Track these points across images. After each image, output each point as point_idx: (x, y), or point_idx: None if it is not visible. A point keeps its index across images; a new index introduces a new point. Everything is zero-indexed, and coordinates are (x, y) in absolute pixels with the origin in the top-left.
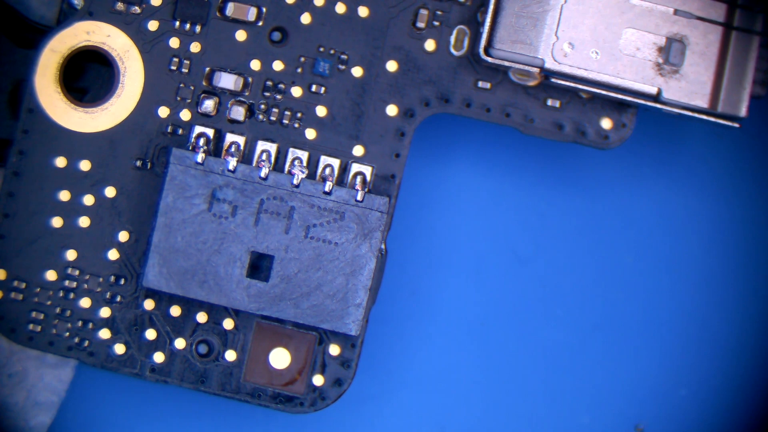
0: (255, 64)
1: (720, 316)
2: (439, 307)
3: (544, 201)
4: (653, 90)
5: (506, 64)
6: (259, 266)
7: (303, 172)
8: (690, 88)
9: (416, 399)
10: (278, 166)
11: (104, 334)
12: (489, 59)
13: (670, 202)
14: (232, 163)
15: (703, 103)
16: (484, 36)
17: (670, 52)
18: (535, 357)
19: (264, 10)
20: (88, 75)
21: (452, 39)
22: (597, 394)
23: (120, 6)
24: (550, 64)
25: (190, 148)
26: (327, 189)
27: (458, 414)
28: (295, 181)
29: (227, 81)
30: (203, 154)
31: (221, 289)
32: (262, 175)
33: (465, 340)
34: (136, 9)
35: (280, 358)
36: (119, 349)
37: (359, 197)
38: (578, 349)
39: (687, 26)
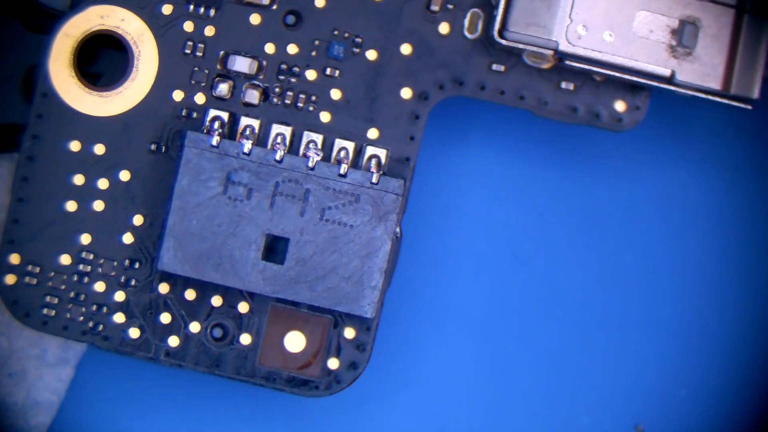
0: (269, 48)
1: (720, 315)
2: (439, 308)
3: (553, 184)
4: (667, 72)
5: (520, 46)
6: (275, 249)
7: (318, 155)
8: (703, 70)
9: (416, 399)
10: (293, 149)
11: (119, 318)
12: (503, 42)
13: (673, 193)
14: (247, 145)
15: (716, 85)
16: (498, 19)
17: (683, 35)
18: (535, 357)
19: None
20: (102, 59)
21: (466, 22)
22: (597, 394)
23: None
24: (564, 47)
25: (205, 131)
26: (342, 171)
27: (458, 414)
28: (310, 164)
29: (241, 64)
30: (218, 137)
31: (236, 272)
32: (277, 157)
33: (465, 340)
34: None
35: (295, 341)
36: (134, 333)
37: (374, 179)
38: (578, 349)
39: (699, 9)
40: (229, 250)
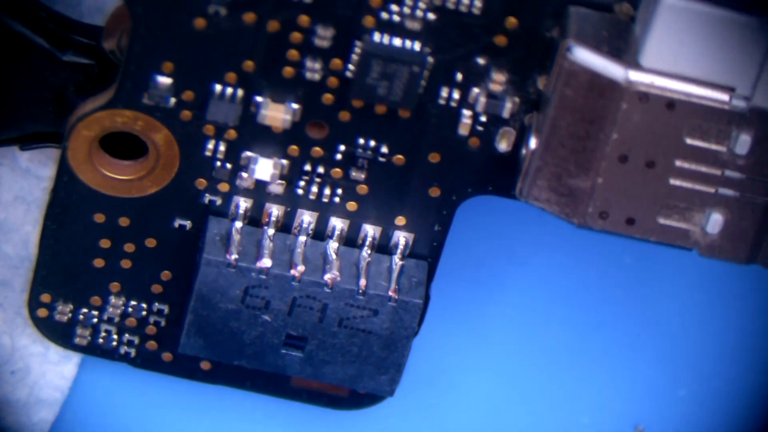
0: (293, 150)
1: (720, 315)
2: (439, 308)
3: None
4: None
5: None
6: (294, 342)
7: (336, 278)
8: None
9: (415, 399)
10: (318, 233)
11: (151, 345)
12: (522, 200)
13: None
14: (266, 263)
15: None
16: (519, 184)
17: (708, 224)
18: (534, 357)
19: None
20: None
21: (497, 137)
22: (597, 394)
23: (149, 101)
24: (583, 225)
25: (230, 218)
26: (361, 290)
27: (458, 414)
28: (328, 286)
29: (263, 171)
30: (235, 259)
31: (258, 357)
32: (296, 277)
33: (464, 340)
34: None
35: None
36: (166, 357)
37: (393, 298)
38: (578, 349)
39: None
40: (250, 343)
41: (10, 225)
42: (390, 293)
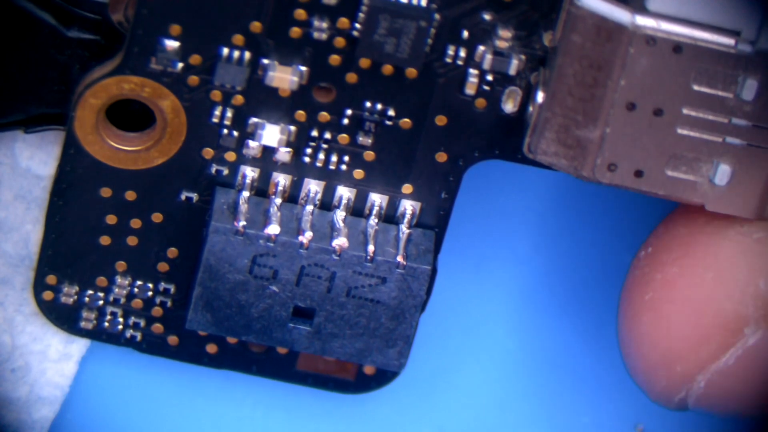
0: (300, 115)
1: None
2: (439, 308)
3: (554, 183)
4: (699, 203)
5: (548, 164)
6: (302, 313)
7: (344, 244)
8: (733, 204)
9: (415, 398)
10: (325, 203)
11: (157, 329)
12: (530, 156)
13: None
14: (273, 230)
15: None
16: (526, 140)
17: (717, 174)
18: (534, 356)
19: (307, 69)
20: (129, 106)
21: (503, 98)
22: (597, 394)
23: (157, 66)
24: (590, 178)
25: (237, 188)
26: (369, 256)
27: (458, 414)
28: (336, 253)
29: (270, 137)
30: (243, 226)
31: (265, 332)
32: (304, 244)
33: (464, 339)
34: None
35: None
36: (172, 341)
37: (401, 264)
38: (578, 349)
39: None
40: (258, 315)
41: (10, 223)
42: (398, 259)
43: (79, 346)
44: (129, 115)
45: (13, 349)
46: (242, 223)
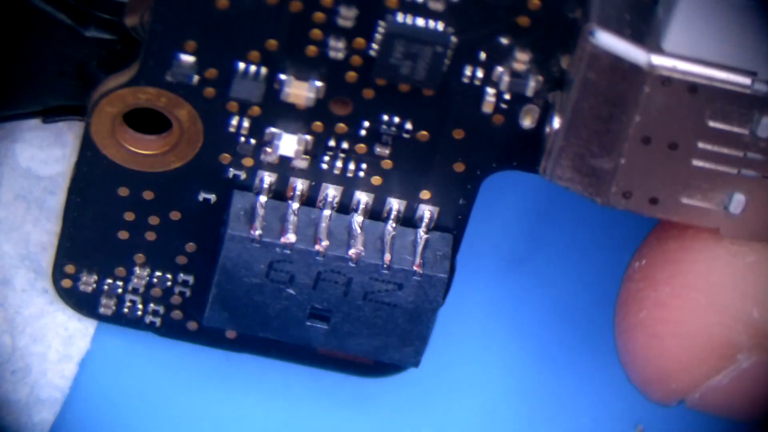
0: (317, 126)
1: None
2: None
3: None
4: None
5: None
6: (319, 314)
7: (361, 251)
8: (749, 231)
9: (415, 398)
10: (342, 207)
11: (176, 315)
12: (546, 178)
13: None
14: (290, 238)
15: None
16: (542, 164)
17: (732, 203)
18: (534, 356)
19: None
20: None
21: (521, 114)
22: (597, 394)
23: (172, 78)
24: (606, 204)
25: (254, 192)
26: (385, 264)
27: (458, 414)
28: (352, 261)
29: (287, 147)
30: (259, 234)
31: (282, 329)
32: (321, 252)
33: (464, 339)
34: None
35: None
36: (191, 326)
37: (418, 272)
38: (578, 349)
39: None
40: (275, 314)
41: (10, 224)
42: (415, 268)
43: (79, 347)
44: (147, 115)
45: (13, 350)
46: (258, 231)
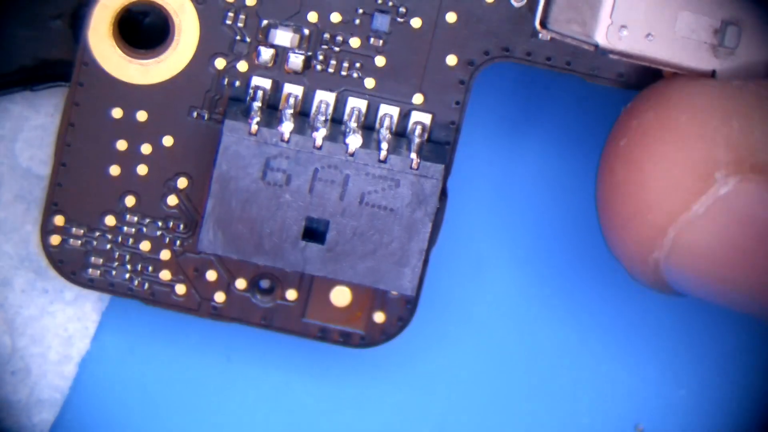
0: (312, 16)
1: (720, 315)
2: (438, 307)
3: (555, 182)
4: (708, 70)
5: (560, 39)
6: (315, 230)
7: (358, 140)
8: (745, 70)
9: (415, 398)
10: (336, 114)
11: (165, 275)
12: (543, 33)
13: None
14: (287, 128)
15: None
16: (539, 12)
17: (725, 35)
18: (535, 356)
19: None
20: (143, 26)
21: None
22: (597, 394)
23: None
24: (604, 44)
25: (248, 100)
26: (382, 157)
27: (458, 414)
28: (350, 150)
29: (283, 38)
30: (256, 126)
31: (277, 253)
32: (317, 144)
33: (464, 338)
34: None
35: (341, 296)
36: (180, 289)
37: (414, 165)
38: (578, 349)
39: (742, 9)
40: (270, 231)
41: (10, 224)
42: (412, 156)
43: (79, 348)
44: (140, 38)
45: (13, 351)
46: (257, 119)
